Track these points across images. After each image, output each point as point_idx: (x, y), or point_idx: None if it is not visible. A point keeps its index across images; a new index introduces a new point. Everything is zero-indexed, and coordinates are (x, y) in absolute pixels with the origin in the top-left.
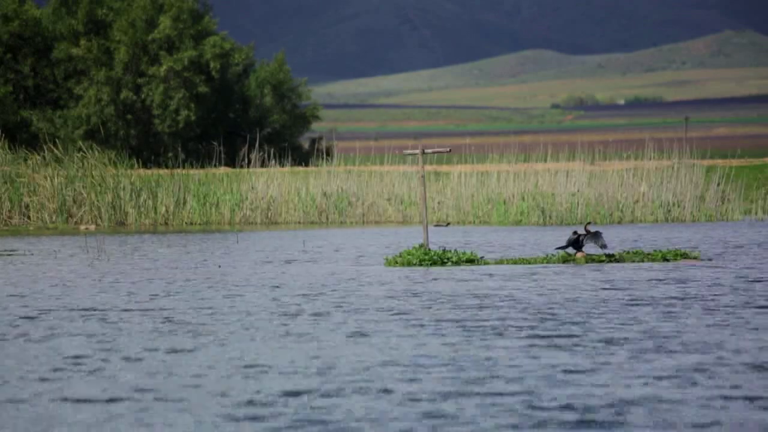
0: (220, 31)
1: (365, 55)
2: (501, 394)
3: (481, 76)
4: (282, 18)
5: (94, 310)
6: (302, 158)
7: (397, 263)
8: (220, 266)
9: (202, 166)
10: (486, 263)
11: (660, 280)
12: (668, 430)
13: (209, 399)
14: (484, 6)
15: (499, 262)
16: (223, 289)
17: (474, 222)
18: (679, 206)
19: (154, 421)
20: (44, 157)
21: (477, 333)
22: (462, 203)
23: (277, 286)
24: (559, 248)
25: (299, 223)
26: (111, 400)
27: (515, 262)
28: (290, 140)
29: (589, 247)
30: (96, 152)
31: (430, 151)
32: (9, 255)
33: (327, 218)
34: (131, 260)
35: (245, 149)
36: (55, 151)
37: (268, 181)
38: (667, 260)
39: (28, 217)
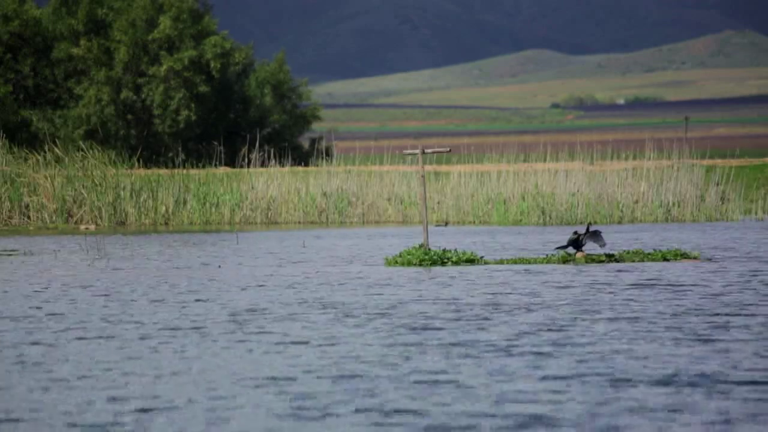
0: (220, 31)
1: (365, 55)
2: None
3: (481, 76)
4: (282, 18)
5: (92, 310)
6: (302, 158)
7: (397, 263)
8: (220, 266)
9: (203, 166)
10: (486, 263)
11: (659, 279)
12: None
13: (202, 402)
14: (484, 6)
15: (499, 261)
16: (222, 290)
17: (474, 222)
18: (679, 206)
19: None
20: (44, 157)
21: (467, 335)
22: (462, 203)
23: (276, 286)
24: (559, 248)
25: (299, 223)
26: (107, 402)
27: (515, 262)
28: (290, 140)
29: (589, 247)
30: (96, 152)
31: (429, 151)
32: (9, 255)
33: (327, 218)
34: (131, 260)
35: (245, 149)
36: (56, 150)
37: (268, 181)
38: (667, 260)
39: (28, 217)
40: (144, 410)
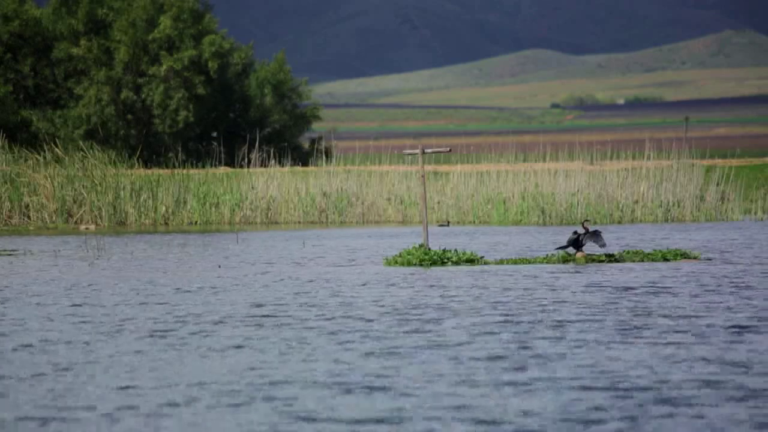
0: (219, 30)
1: (365, 55)
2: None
3: (481, 76)
4: (282, 18)
5: (92, 311)
6: (302, 158)
7: (396, 263)
8: (220, 266)
9: (202, 166)
10: (486, 263)
11: (659, 280)
12: None
13: (189, 402)
14: (484, 6)
15: (499, 262)
16: (221, 290)
17: (474, 222)
18: (679, 206)
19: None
20: (44, 157)
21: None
22: (462, 203)
23: (275, 287)
24: (559, 248)
25: (299, 222)
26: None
27: (515, 262)
28: (290, 140)
29: (589, 247)
30: (96, 152)
31: (429, 150)
32: (9, 255)
33: (327, 218)
34: (131, 260)
35: (245, 149)
36: (56, 150)
37: (268, 181)
38: (667, 260)
39: (28, 217)
40: (124, 409)
